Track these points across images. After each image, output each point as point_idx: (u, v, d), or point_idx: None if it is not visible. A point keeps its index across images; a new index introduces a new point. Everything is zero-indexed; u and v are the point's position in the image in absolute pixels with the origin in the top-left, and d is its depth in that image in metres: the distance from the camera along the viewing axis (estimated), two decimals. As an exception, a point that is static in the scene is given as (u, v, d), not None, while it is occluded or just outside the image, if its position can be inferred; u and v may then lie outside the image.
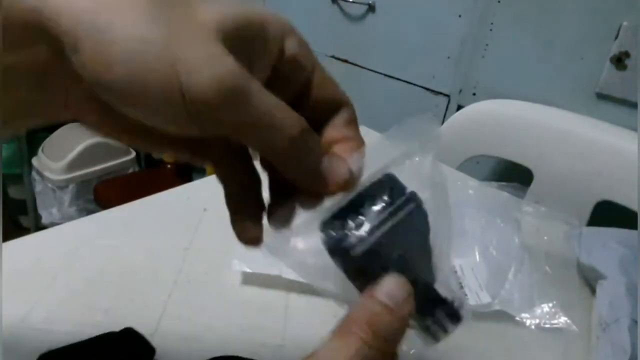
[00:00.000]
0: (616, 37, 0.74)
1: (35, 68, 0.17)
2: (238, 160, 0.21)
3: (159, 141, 0.20)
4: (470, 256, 0.45)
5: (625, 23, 0.73)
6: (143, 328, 0.33)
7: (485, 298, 0.41)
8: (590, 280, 0.45)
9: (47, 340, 0.30)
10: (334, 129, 0.21)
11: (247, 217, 0.21)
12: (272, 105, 0.17)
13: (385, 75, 1.07)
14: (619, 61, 0.75)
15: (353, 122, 0.22)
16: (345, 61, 1.14)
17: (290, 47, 0.20)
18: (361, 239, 0.20)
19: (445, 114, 1.00)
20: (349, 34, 1.11)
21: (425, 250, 0.21)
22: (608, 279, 0.42)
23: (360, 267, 0.20)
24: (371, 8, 1.05)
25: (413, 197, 0.21)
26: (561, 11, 0.78)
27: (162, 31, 0.16)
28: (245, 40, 0.18)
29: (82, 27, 0.15)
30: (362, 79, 1.12)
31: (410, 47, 1.01)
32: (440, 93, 0.99)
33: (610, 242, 0.46)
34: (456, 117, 0.83)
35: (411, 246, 0.21)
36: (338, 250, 0.20)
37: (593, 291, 0.44)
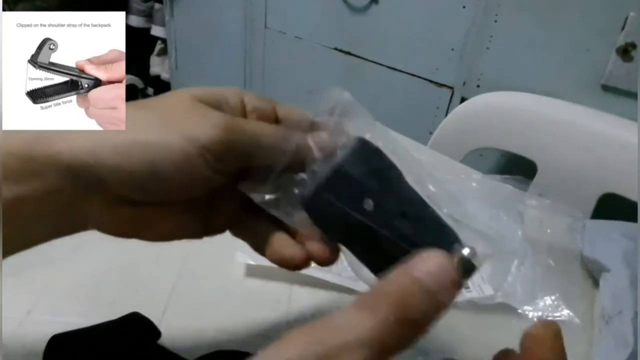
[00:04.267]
0: (622, 28, 0.73)
1: (56, 197, 0.20)
2: (250, 216, 0.25)
3: (173, 229, 0.24)
4: (473, 249, 0.45)
5: (632, 14, 0.72)
6: (148, 320, 0.33)
7: (488, 290, 0.41)
8: (593, 272, 0.45)
9: (53, 332, 0.31)
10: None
11: (286, 247, 0.24)
12: (259, 126, 0.23)
13: (389, 67, 1.07)
14: (625, 52, 0.74)
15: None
16: (348, 53, 1.14)
17: (249, 101, 0.25)
18: (310, 185, 0.21)
19: (448, 107, 0.99)
20: (352, 26, 1.10)
21: (404, 189, 0.21)
22: (611, 272, 0.42)
23: (329, 216, 0.21)
24: (374, -1, 1.04)
25: (359, 140, 0.22)
26: (567, 2, 0.77)
27: (162, 123, 0.21)
28: (214, 105, 0.23)
29: (100, 150, 0.20)
30: (365, 71, 1.11)
31: (414, 39, 1.00)
32: (444, 85, 0.99)
33: (614, 234, 0.46)
34: (460, 110, 0.83)
35: (384, 183, 0.21)
36: (302, 203, 0.22)
37: (596, 284, 0.44)
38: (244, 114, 0.24)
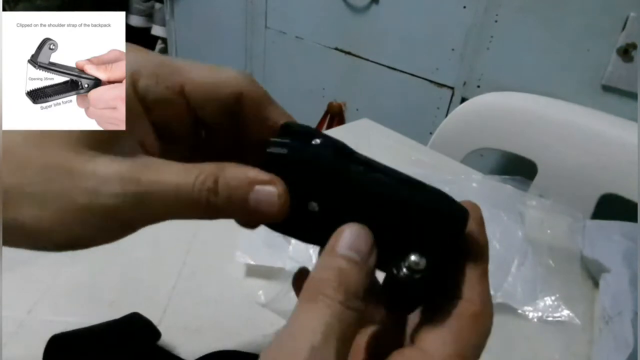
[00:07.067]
0: (623, 29, 0.73)
1: None
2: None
3: None
4: (474, 249, 0.45)
5: (632, 14, 0.72)
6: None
7: (488, 291, 0.41)
8: (593, 273, 0.45)
9: (53, 332, 0.31)
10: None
11: None
12: (171, 172, 0.18)
13: (389, 67, 1.07)
14: (626, 53, 0.74)
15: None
16: (349, 53, 1.14)
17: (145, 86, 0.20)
18: None
19: (449, 107, 0.99)
20: (353, 26, 1.10)
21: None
22: (612, 272, 0.42)
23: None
24: (375, -1, 1.04)
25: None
26: (567, 2, 0.77)
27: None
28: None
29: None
30: (366, 71, 1.11)
31: (414, 39, 1.00)
32: (444, 85, 0.99)
33: (614, 235, 0.46)
34: (460, 110, 0.83)
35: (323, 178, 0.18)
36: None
37: (596, 284, 0.44)
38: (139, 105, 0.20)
